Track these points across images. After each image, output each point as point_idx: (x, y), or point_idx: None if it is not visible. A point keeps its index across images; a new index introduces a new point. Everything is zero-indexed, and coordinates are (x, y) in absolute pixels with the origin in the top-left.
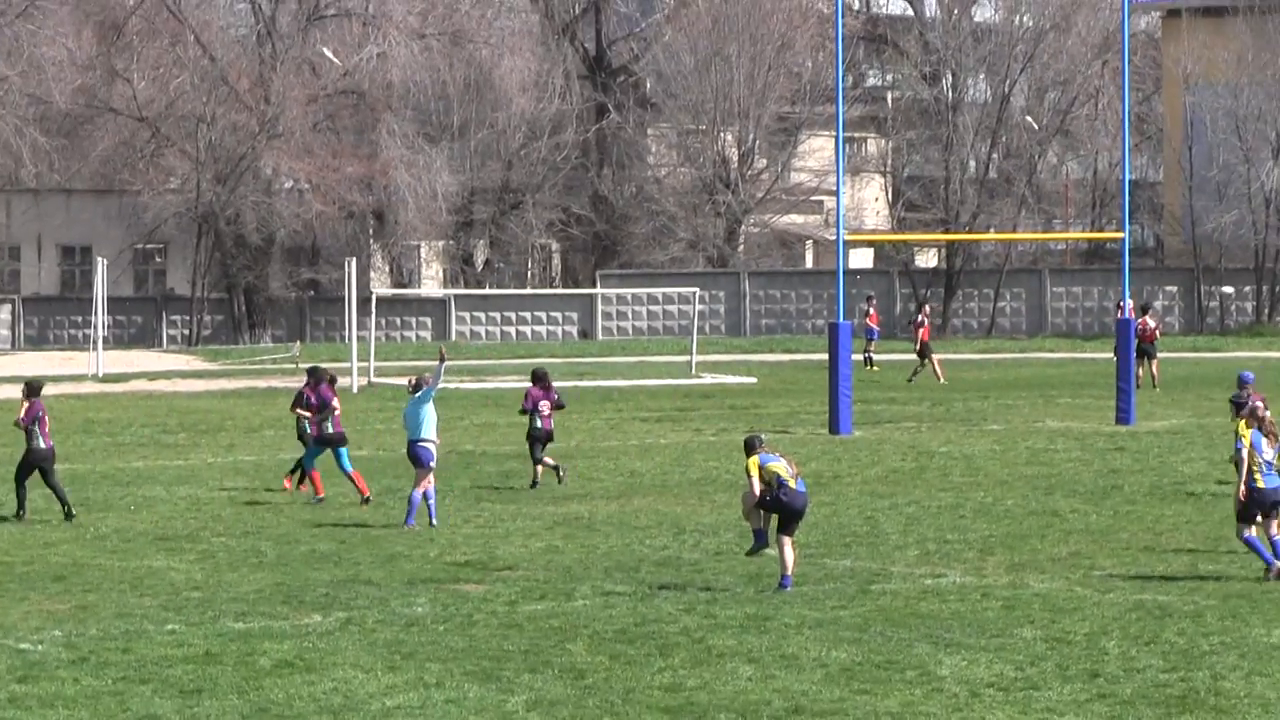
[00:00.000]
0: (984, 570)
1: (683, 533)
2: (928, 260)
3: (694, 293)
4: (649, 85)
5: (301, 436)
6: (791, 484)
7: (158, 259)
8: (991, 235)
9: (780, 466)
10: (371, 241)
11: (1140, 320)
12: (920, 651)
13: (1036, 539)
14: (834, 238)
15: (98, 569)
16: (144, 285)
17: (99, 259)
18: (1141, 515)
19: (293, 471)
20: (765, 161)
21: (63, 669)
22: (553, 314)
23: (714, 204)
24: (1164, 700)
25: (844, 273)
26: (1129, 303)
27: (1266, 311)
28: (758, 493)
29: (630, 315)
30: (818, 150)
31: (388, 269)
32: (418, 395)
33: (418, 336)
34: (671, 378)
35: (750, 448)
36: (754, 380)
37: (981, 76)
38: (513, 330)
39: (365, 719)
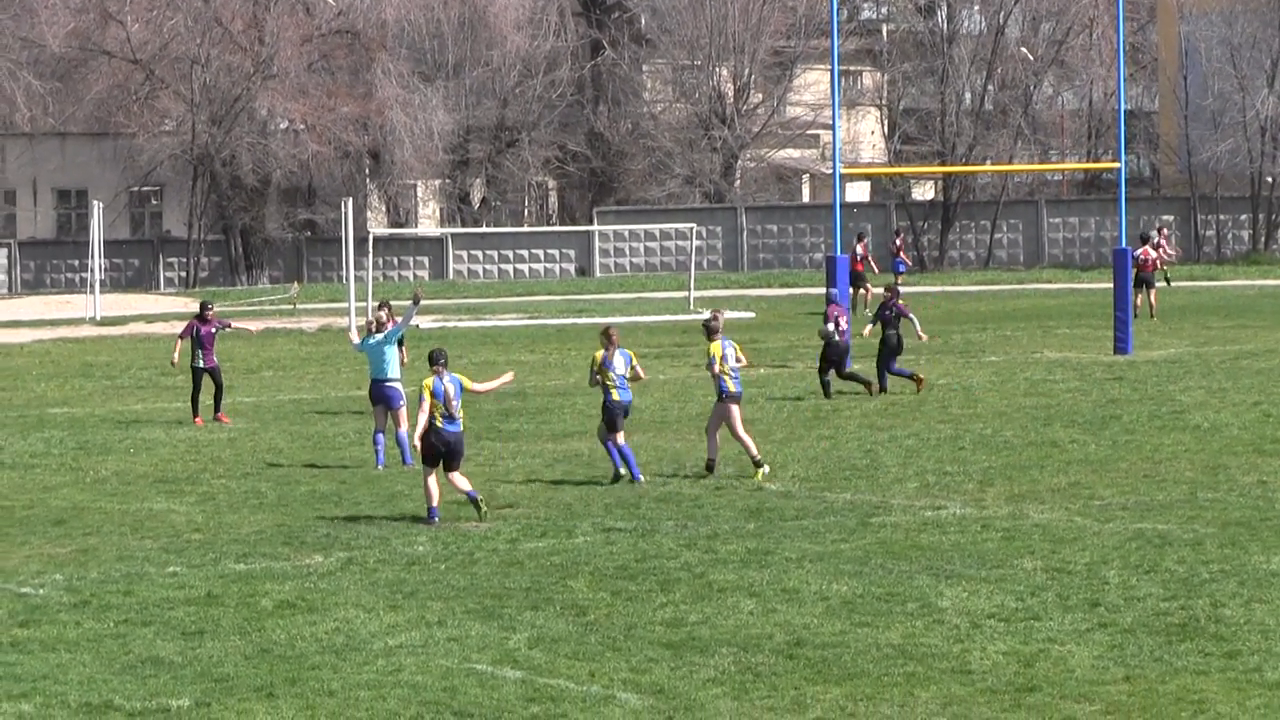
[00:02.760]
0: (984, 501)
1: (682, 468)
2: (924, 193)
3: (691, 228)
4: (644, 21)
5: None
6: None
7: (154, 201)
8: (988, 167)
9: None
10: (368, 181)
11: (1140, 249)
12: (921, 583)
13: (1036, 469)
14: (830, 172)
15: (98, 512)
16: (140, 228)
17: (95, 202)
18: (1140, 445)
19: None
20: (761, 96)
21: (64, 612)
22: (550, 252)
23: (710, 139)
24: (1164, 629)
25: (840, 206)
26: (1156, 234)
27: (1263, 240)
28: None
29: (628, 252)
30: (813, 84)
31: (384, 209)
32: (382, 335)
33: (415, 276)
34: (669, 313)
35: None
36: (752, 315)
37: (976, 8)
38: (510, 268)
39: (368, 658)
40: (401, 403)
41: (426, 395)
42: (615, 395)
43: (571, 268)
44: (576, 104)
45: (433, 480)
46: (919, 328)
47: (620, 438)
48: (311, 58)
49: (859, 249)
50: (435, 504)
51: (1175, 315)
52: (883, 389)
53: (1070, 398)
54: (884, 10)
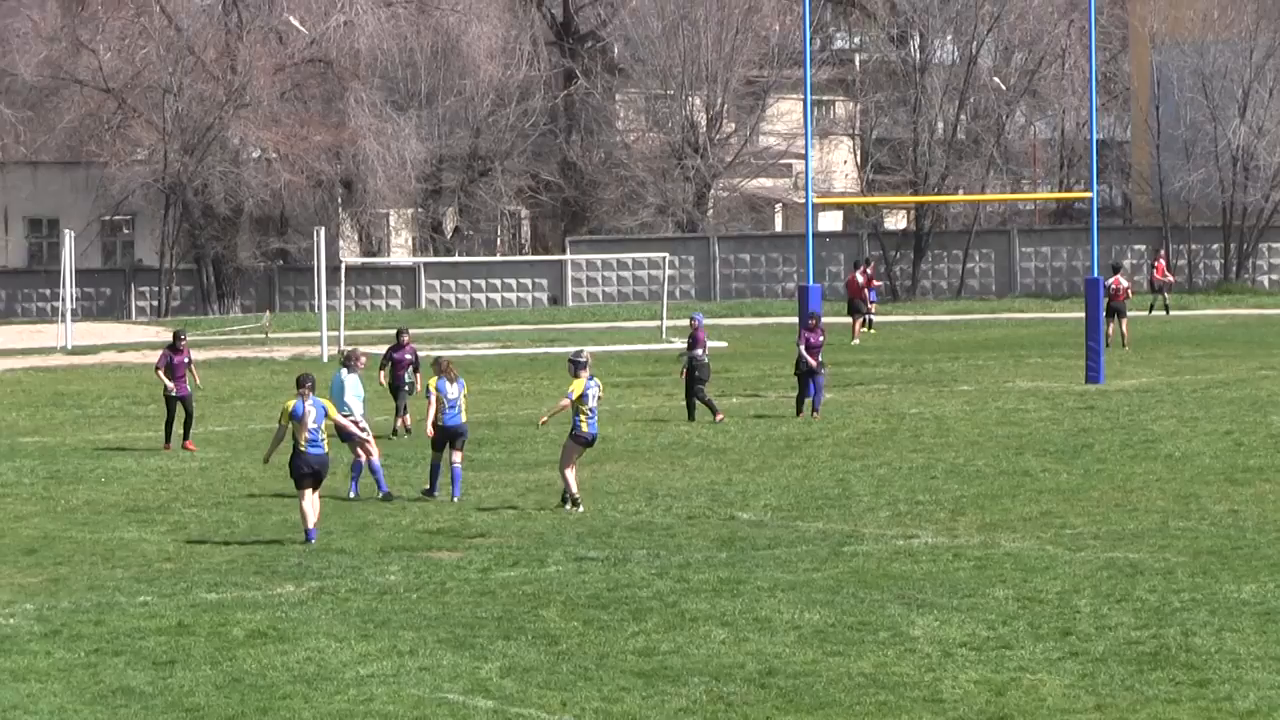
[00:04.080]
0: (956, 531)
1: (655, 497)
2: (897, 222)
3: (664, 258)
4: (617, 50)
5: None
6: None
7: (125, 230)
8: (960, 197)
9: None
10: (340, 210)
11: (1112, 279)
12: (893, 612)
13: (1008, 499)
14: (803, 201)
15: (69, 541)
16: (112, 257)
17: (66, 231)
18: (1112, 474)
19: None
20: (733, 125)
21: (35, 642)
22: (523, 281)
23: (683, 169)
24: (1136, 657)
25: (813, 236)
26: (1162, 262)
27: (1234, 269)
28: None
29: (600, 281)
30: (786, 113)
31: (357, 237)
32: (350, 371)
33: (388, 305)
34: (642, 343)
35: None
36: (725, 344)
37: (949, 38)
38: (483, 297)
39: (339, 688)
40: (366, 434)
41: (284, 418)
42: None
43: (544, 297)
44: (549, 133)
45: (308, 502)
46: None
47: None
48: (284, 86)
49: (860, 277)
50: (311, 525)
51: (1147, 345)
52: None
53: (1042, 427)
54: (857, 40)
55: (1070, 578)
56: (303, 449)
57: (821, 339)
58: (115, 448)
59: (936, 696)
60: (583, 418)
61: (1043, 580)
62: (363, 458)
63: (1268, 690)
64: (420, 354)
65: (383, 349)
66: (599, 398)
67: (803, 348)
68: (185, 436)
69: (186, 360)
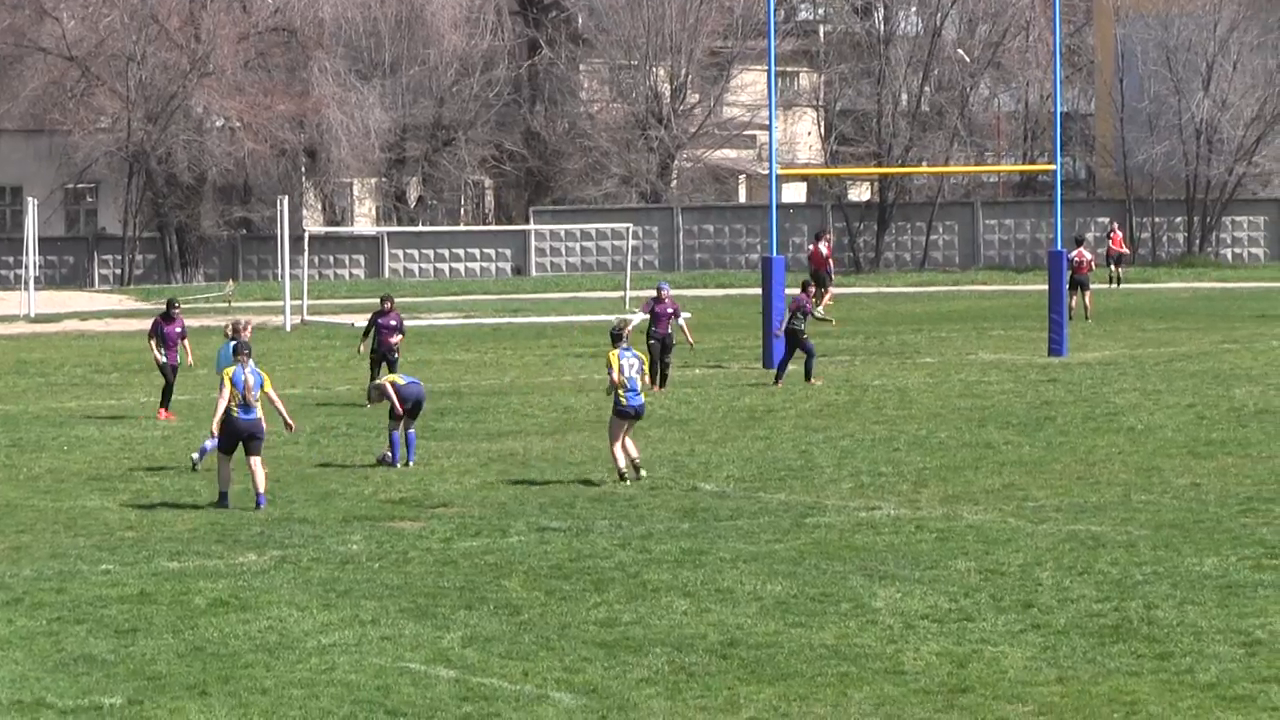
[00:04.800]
0: (918, 503)
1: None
2: (860, 194)
3: (627, 228)
4: (581, 20)
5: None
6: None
7: (89, 199)
8: (924, 169)
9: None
10: (304, 179)
11: (1075, 252)
12: (855, 584)
13: (970, 471)
14: (767, 172)
15: (31, 509)
16: (75, 225)
17: (29, 199)
18: (1074, 446)
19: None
20: (698, 96)
21: None
22: (486, 251)
23: (647, 139)
24: (1097, 630)
25: (777, 207)
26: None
27: (1198, 242)
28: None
29: (564, 251)
30: (750, 85)
31: (320, 207)
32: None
33: (351, 274)
34: (605, 313)
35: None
36: (688, 315)
37: (913, 9)
38: (446, 267)
39: (301, 656)
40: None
41: (227, 383)
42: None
43: (508, 267)
44: (513, 103)
45: (227, 467)
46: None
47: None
48: (248, 55)
49: (824, 247)
50: (225, 489)
51: (1110, 317)
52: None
53: (1005, 399)
54: (821, 11)
55: (1032, 550)
56: (235, 414)
57: (811, 305)
58: (78, 416)
59: (898, 668)
60: (621, 391)
61: (1005, 552)
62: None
63: (1228, 663)
64: (405, 321)
65: (348, 318)
66: (639, 370)
67: (799, 314)
68: (165, 405)
69: (179, 330)
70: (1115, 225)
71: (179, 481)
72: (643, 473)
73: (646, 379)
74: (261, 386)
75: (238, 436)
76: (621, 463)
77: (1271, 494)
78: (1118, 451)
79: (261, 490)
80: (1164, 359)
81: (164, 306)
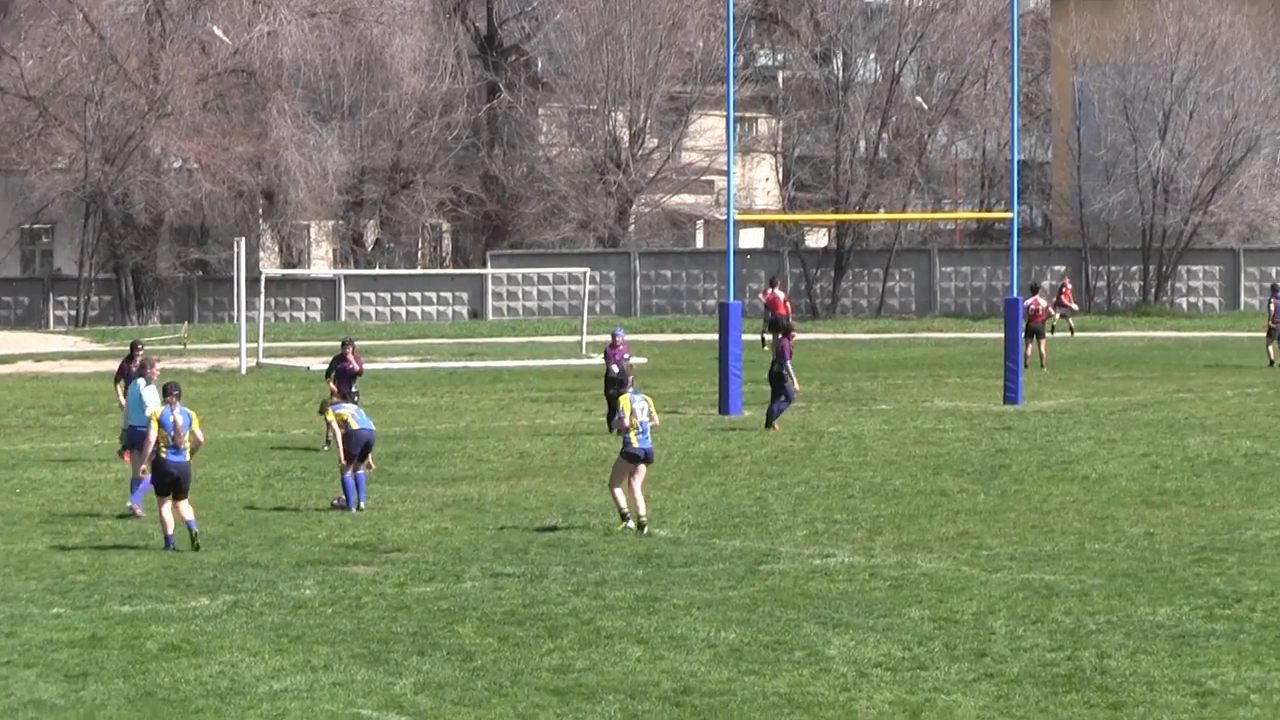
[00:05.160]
0: (872, 550)
1: (572, 514)
2: (818, 240)
3: (585, 273)
4: (540, 64)
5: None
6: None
7: (45, 239)
8: (881, 215)
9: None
10: (261, 221)
11: (1030, 300)
12: (808, 631)
13: (924, 518)
14: (724, 217)
15: None
16: (31, 265)
17: None
18: (1029, 495)
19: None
20: (656, 141)
21: None
22: (443, 294)
23: (605, 184)
24: (1050, 679)
25: (734, 253)
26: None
27: (1153, 291)
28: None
29: (521, 295)
30: (708, 130)
31: (277, 249)
32: (147, 381)
33: (307, 317)
34: (562, 358)
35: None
36: (644, 360)
37: (872, 56)
38: (403, 310)
39: (252, 702)
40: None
41: (154, 425)
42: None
43: (464, 310)
44: (472, 146)
45: (167, 510)
46: None
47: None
48: (206, 96)
49: (780, 293)
50: (170, 533)
51: (1065, 366)
52: None
53: (960, 447)
54: (780, 57)
55: (986, 598)
56: (164, 455)
57: (791, 351)
58: (31, 458)
59: (851, 716)
60: (632, 434)
61: (959, 601)
62: (145, 476)
63: (1181, 714)
64: (366, 365)
65: (304, 361)
66: (649, 413)
67: (786, 359)
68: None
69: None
70: (1067, 279)
71: (131, 525)
72: (645, 530)
73: (656, 420)
74: (190, 427)
75: (169, 477)
76: (623, 502)
77: (1225, 544)
78: (1072, 500)
79: (190, 518)
80: (1119, 408)
81: (128, 349)
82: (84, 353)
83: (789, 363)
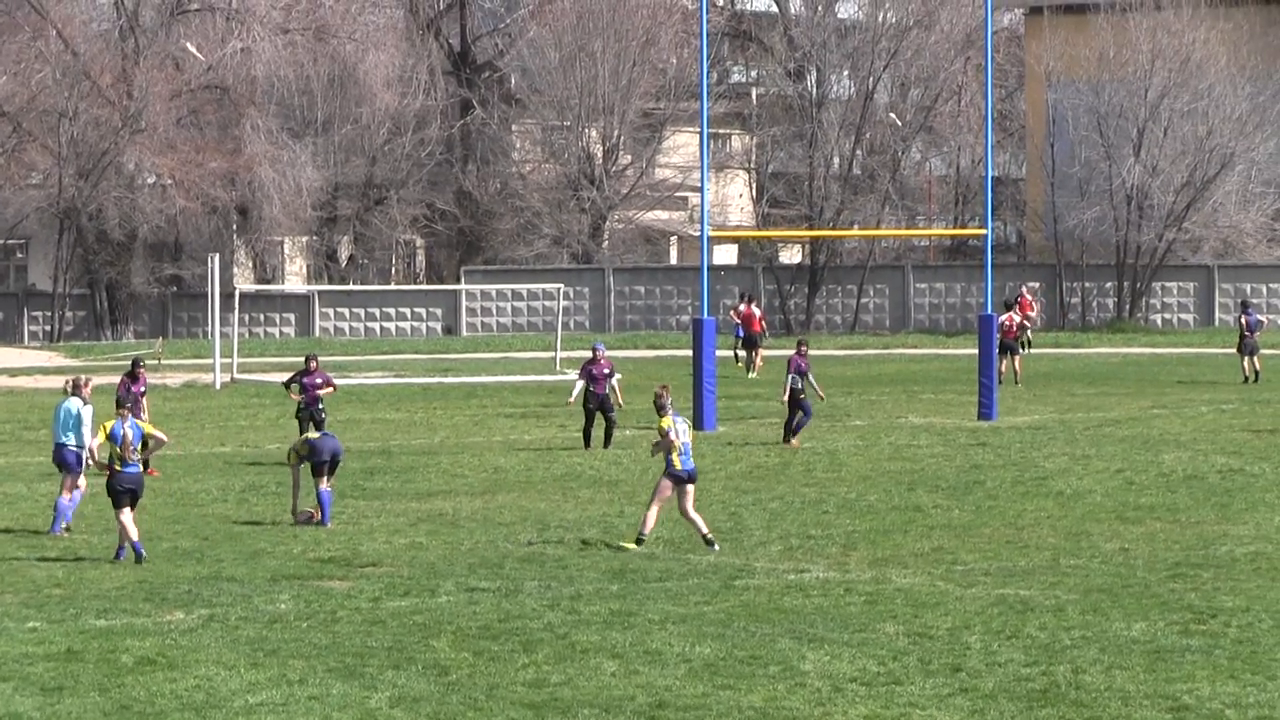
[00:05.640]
0: (847, 565)
1: (547, 529)
2: (792, 256)
3: (558, 289)
4: (514, 81)
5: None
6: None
7: (19, 255)
8: (855, 232)
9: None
10: (235, 237)
11: (1005, 316)
12: (783, 646)
13: (899, 534)
14: (698, 234)
15: None
16: (5, 281)
17: None
18: (1003, 510)
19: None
20: (630, 158)
21: None
22: (417, 310)
23: (578, 200)
24: (1025, 694)
25: (708, 269)
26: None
27: (1127, 308)
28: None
29: (495, 311)
30: (682, 146)
31: (251, 265)
32: (81, 409)
33: (281, 333)
34: (536, 374)
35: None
36: (619, 376)
37: (845, 73)
38: (377, 326)
39: (228, 716)
40: (78, 468)
41: (102, 436)
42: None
43: (438, 326)
44: (445, 163)
45: (127, 516)
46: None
47: (324, 483)
48: (180, 113)
49: (757, 309)
50: (135, 538)
51: (1040, 382)
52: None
53: (934, 463)
54: (753, 74)
55: (961, 614)
56: (119, 469)
57: (807, 366)
58: (5, 473)
59: None
60: (675, 454)
61: (933, 616)
62: (66, 496)
63: None
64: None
65: (278, 376)
66: (689, 432)
67: (795, 374)
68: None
69: (142, 389)
70: (1024, 289)
71: (107, 539)
72: (715, 546)
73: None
74: (141, 439)
75: (125, 489)
76: (650, 524)
77: (1199, 559)
78: (1046, 516)
79: (135, 538)
80: (1093, 424)
81: (129, 366)
82: (59, 368)
83: (810, 377)
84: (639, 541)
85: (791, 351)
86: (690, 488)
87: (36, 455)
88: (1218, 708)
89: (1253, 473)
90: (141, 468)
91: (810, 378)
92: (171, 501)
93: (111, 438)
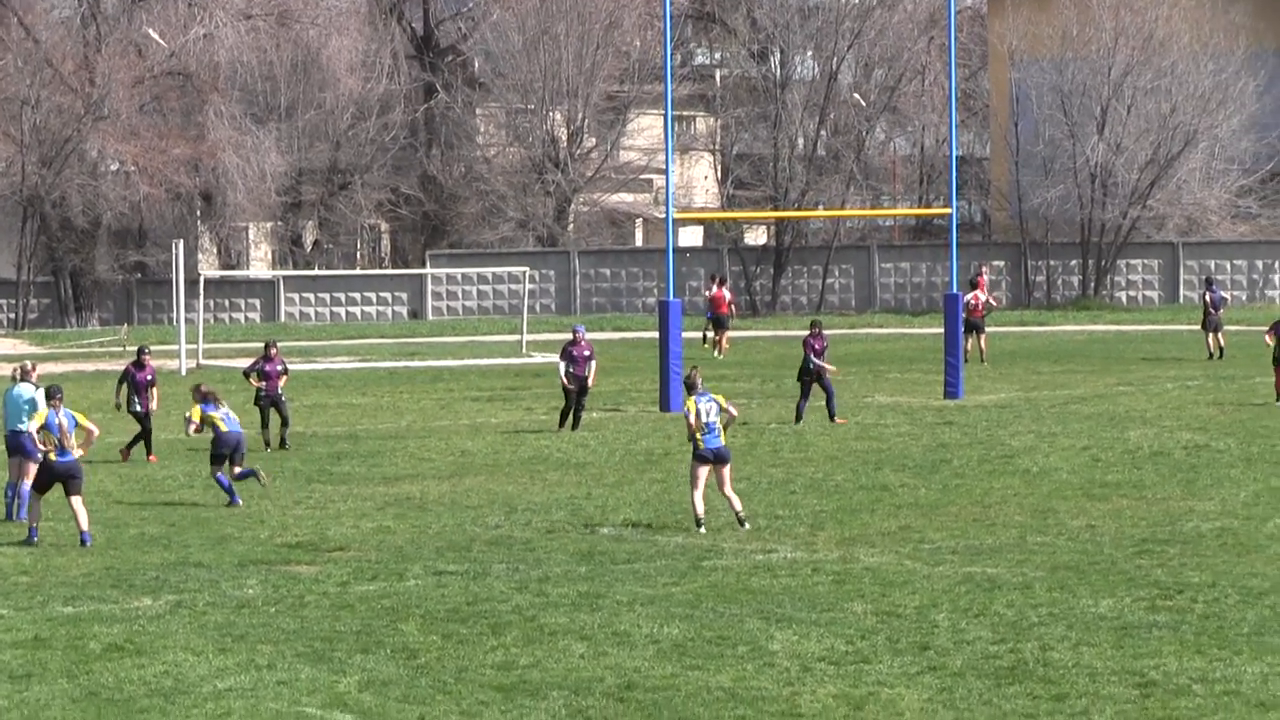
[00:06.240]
0: (814, 545)
1: (514, 511)
2: (757, 238)
3: (524, 272)
4: (477, 65)
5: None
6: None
7: None
8: (820, 212)
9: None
10: (199, 223)
11: (971, 295)
12: (752, 627)
13: (866, 513)
14: (663, 216)
15: None
16: None
17: None
18: (970, 489)
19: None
20: (594, 140)
21: None
22: (382, 294)
23: (543, 183)
24: (993, 671)
25: (673, 251)
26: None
27: (1093, 285)
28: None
29: (460, 295)
30: (647, 129)
31: (216, 251)
32: (31, 392)
33: (246, 318)
34: (502, 357)
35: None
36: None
37: (809, 54)
38: (342, 311)
39: (196, 701)
40: (36, 455)
41: (38, 424)
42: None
43: (404, 311)
44: (409, 147)
45: (38, 505)
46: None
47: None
48: (143, 99)
49: (727, 292)
50: (36, 525)
51: (1005, 360)
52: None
53: (901, 442)
54: (717, 56)
55: (928, 592)
56: (53, 457)
57: (824, 345)
58: None
59: (795, 711)
60: (699, 435)
61: (901, 595)
62: (28, 482)
63: (1124, 704)
64: (291, 366)
65: (243, 362)
66: (720, 411)
67: (811, 354)
68: (148, 450)
69: (149, 377)
70: (983, 267)
71: (73, 526)
72: (746, 525)
73: (734, 411)
74: (76, 427)
75: (55, 478)
76: (700, 509)
77: (1166, 535)
78: (1013, 494)
79: (85, 528)
80: (1059, 401)
81: (135, 353)
82: (23, 356)
83: (825, 356)
84: (699, 525)
85: (804, 334)
86: (724, 468)
87: None
88: (1184, 683)
89: (1218, 448)
90: (80, 454)
91: (825, 357)
92: (138, 488)
93: (47, 427)
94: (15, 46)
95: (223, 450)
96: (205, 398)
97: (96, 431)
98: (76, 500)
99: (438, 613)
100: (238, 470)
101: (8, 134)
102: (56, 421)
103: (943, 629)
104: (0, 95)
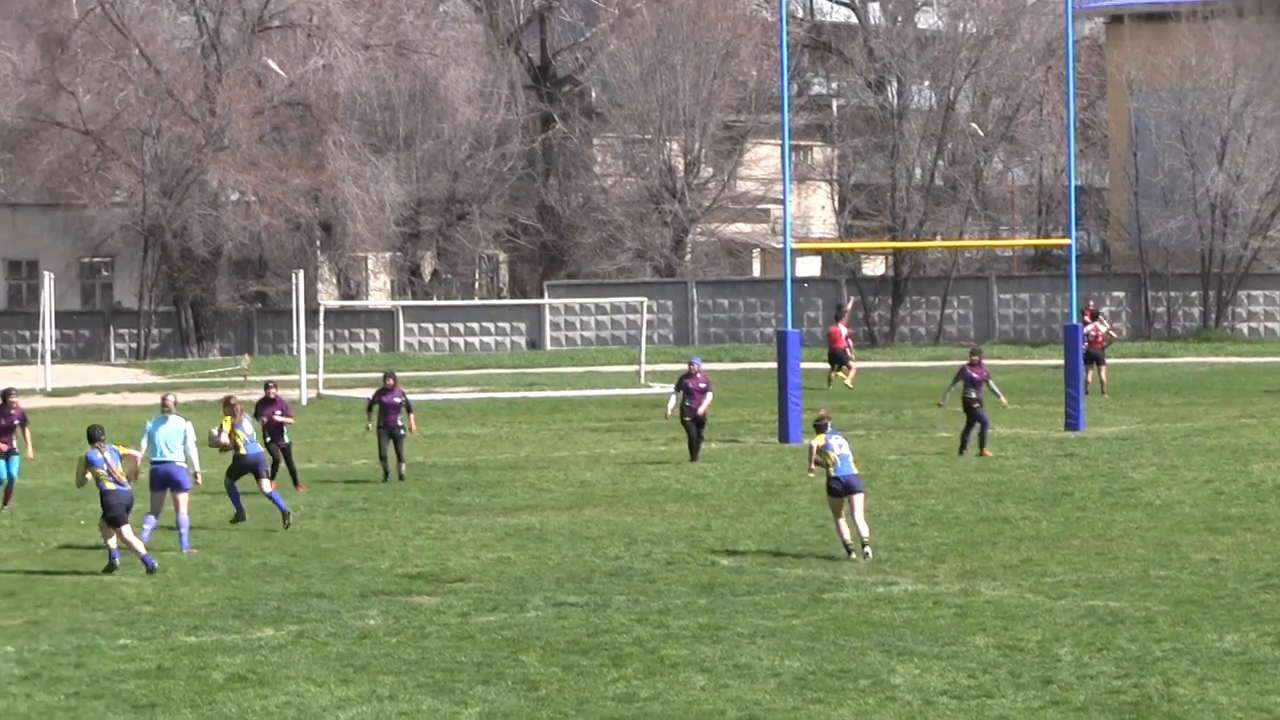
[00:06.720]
0: (935, 578)
1: (634, 543)
2: (875, 268)
3: (641, 302)
4: (594, 95)
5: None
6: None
7: (104, 272)
8: (938, 243)
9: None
10: (319, 253)
11: (1090, 326)
12: (873, 660)
13: (988, 546)
14: (781, 246)
15: (49, 584)
16: (91, 299)
17: (46, 273)
18: (1092, 521)
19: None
20: (711, 170)
21: (15, 685)
22: (501, 324)
23: (660, 213)
24: (1117, 707)
25: (791, 281)
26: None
27: (1213, 317)
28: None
29: (578, 325)
30: (764, 159)
31: (335, 280)
32: (176, 424)
33: (366, 348)
34: (620, 387)
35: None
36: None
37: (926, 83)
38: (461, 341)
39: None
40: (187, 485)
41: (81, 466)
42: (832, 471)
43: (522, 341)
44: (527, 177)
45: (128, 532)
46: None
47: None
48: (263, 129)
49: (844, 328)
50: (117, 552)
51: (1126, 392)
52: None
53: (1022, 474)
54: (834, 85)
55: (1051, 626)
56: (112, 488)
57: (985, 374)
58: (93, 490)
59: None
60: (831, 469)
61: (1023, 628)
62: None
63: None
64: (410, 396)
65: (364, 393)
66: (846, 445)
67: (962, 381)
68: (295, 481)
69: (277, 412)
70: (1091, 304)
71: (196, 556)
72: (867, 550)
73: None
74: (120, 461)
75: (121, 508)
76: (846, 535)
77: None
78: (1135, 527)
79: (145, 552)
80: (1181, 434)
81: (262, 390)
82: (145, 385)
83: (991, 383)
84: (848, 550)
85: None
86: (857, 499)
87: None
88: None
89: None
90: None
91: (991, 383)
92: (261, 518)
93: (91, 463)
94: (137, 78)
95: (240, 471)
96: (236, 413)
97: (139, 455)
98: (127, 529)
99: (558, 644)
100: (268, 489)
101: (130, 164)
102: (101, 458)
103: (1065, 663)
104: (122, 126)
